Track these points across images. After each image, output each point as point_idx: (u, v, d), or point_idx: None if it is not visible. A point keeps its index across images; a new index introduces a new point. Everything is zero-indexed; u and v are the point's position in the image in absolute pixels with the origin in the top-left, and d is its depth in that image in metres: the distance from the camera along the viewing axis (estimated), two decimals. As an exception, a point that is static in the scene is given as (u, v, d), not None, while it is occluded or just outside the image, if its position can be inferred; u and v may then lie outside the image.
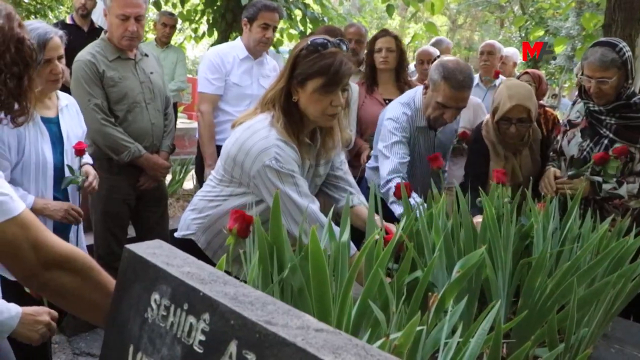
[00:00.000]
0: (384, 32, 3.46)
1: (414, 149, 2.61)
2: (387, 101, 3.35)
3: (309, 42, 1.83)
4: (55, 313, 1.46)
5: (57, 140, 2.27)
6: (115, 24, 2.79)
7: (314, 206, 1.84)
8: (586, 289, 1.54)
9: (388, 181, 2.43)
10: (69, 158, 2.31)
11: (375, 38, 3.42)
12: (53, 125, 2.27)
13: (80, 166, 2.35)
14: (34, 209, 2.11)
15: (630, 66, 2.32)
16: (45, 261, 1.06)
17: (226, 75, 3.33)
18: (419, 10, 5.81)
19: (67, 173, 2.27)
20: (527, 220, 1.81)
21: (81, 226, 2.41)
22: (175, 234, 2.11)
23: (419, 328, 1.07)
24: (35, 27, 2.14)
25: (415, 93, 2.64)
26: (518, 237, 1.76)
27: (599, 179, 2.28)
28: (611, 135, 2.37)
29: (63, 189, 2.29)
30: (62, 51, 2.19)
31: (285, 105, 1.86)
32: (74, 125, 2.38)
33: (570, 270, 1.50)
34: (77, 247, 2.32)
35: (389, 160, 2.48)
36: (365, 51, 3.52)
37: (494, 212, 1.61)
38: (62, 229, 2.28)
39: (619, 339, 1.77)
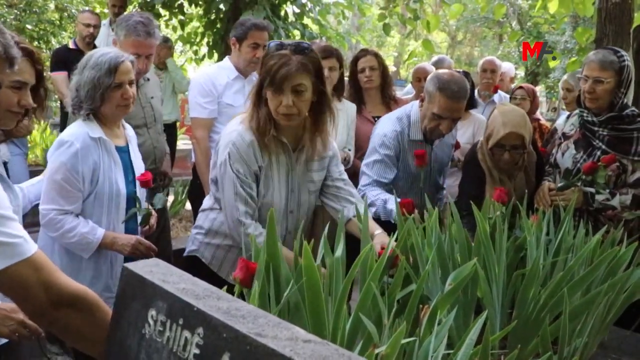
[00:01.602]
0: (364, 52, 3.45)
1: (406, 163, 2.65)
2: (375, 119, 3.38)
3: (269, 44, 1.96)
4: None
5: (128, 170, 2.21)
6: None
7: (243, 208, 1.93)
8: (580, 298, 1.56)
9: (360, 191, 2.46)
10: (138, 188, 2.22)
11: (356, 59, 3.42)
12: (124, 154, 2.22)
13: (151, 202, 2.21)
14: (103, 243, 2.06)
15: (627, 75, 2.36)
16: (55, 301, 1.09)
17: (218, 98, 3.23)
18: (415, 27, 5.89)
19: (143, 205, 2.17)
20: (522, 233, 1.84)
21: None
22: (184, 253, 2.16)
23: (411, 339, 1.10)
24: (106, 52, 2.13)
25: (412, 107, 2.68)
26: (513, 249, 1.79)
27: (592, 189, 2.31)
28: (603, 146, 2.40)
29: (133, 222, 2.19)
30: (133, 76, 2.17)
31: (256, 101, 1.95)
32: (138, 156, 2.34)
33: (563, 280, 1.52)
34: None
35: (365, 176, 2.58)
36: (348, 73, 3.49)
37: (487, 226, 1.64)
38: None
39: (616, 349, 1.78)
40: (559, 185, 2.40)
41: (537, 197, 2.47)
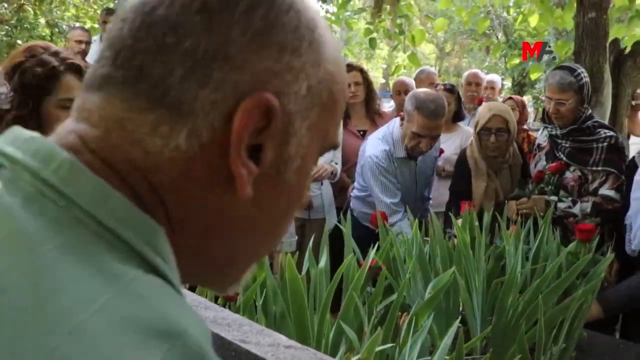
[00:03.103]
0: (349, 67, 3.43)
1: (397, 180, 2.72)
2: (360, 132, 3.45)
3: None
4: None
5: None
6: None
7: None
8: (556, 305, 1.62)
9: (392, 224, 2.50)
10: None
11: None
12: None
13: None
14: None
15: (587, 91, 2.44)
16: None
17: None
18: (401, 42, 5.99)
19: None
20: (502, 242, 1.90)
21: None
22: None
23: (391, 345, 1.15)
24: None
25: (394, 125, 2.75)
26: (493, 258, 1.85)
27: (555, 198, 2.40)
28: (564, 158, 2.50)
29: None
30: None
31: None
32: None
33: (541, 287, 1.59)
34: None
35: (383, 204, 2.61)
36: None
37: (466, 236, 1.70)
38: None
39: (596, 354, 1.84)
40: (511, 195, 2.52)
41: (507, 207, 2.56)
